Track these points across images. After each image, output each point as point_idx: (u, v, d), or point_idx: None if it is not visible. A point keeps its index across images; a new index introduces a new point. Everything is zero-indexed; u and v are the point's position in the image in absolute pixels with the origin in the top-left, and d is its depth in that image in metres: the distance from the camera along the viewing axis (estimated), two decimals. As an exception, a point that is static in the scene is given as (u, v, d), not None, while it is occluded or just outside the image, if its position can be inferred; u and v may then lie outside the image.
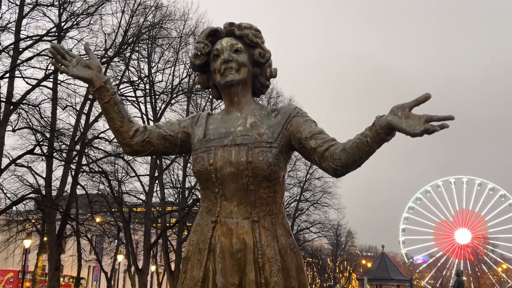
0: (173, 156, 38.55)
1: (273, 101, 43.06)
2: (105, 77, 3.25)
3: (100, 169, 36.99)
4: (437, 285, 78.56)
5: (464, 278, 62.66)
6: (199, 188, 3.45)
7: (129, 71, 37.97)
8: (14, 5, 30.58)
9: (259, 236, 3.00)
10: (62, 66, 3.18)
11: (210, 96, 33.40)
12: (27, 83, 31.24)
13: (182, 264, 3.24)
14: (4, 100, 29.47)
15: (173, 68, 40.01)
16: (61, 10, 32.22)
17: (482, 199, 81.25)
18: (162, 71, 40.29)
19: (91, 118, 34.47)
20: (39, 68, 31.31)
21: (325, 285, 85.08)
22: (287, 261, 3.01)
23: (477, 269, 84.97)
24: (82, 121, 34.80)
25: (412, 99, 2.62)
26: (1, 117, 29.34)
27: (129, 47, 35.63)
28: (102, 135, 35.05)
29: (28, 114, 31.41)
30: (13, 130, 31.48)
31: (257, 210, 3.05)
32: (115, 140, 35.52)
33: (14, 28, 30.39)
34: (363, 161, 2.84)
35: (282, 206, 3.26)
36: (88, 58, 3.25)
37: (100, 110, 33.64)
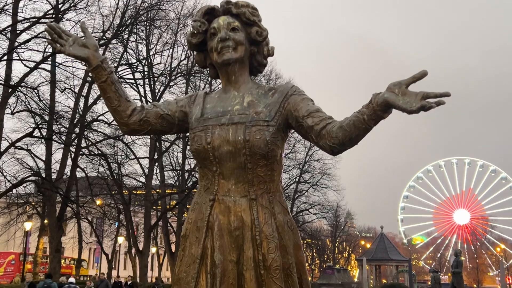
0: (172, 139, 38.68)
1: (272, 83, 42.93)
2: (101, 56, 3.23)
3: (99, 152, 37.05)
4: (435, 264, 78.75)
5: (463, 258, 63.01)
6: (197, 167, 3.46)
7: (127, 53, 37.96)
8: (11, -14, 30.40)
9: (256, 214, 3.01)
10: (59, 45, 3.18)
11: (209, 78, 33.45)
12: (25, 65, 31.24)
13: (181, 242, 3.25)
14: (2, 83, 29.44)
15: (171, 50, 39.93)
16: (60, -6, 32.03)
17: (483, 181, 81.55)
18: (160, 53, 40.28)
19: (90, 101, 34.52)
20: (37, 51, 31.25)
21: (324, 265, 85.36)
22: (284, 238, 3.02)
23: (474, 250, 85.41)
24: (81, 104, 34.86)
25: (409, 77, 2.60)
26: (0, 100, 29.32)
27: (127, 29, 35.55)
28: (101, 117, 35.15)
29: (26, 96, 31.39)
30: (12, 113, 31.48)
31: (255, 188, 3.05)
32: (114, 122, 35.47)
33: (11, 10, 30.27)
34: (360, 138, 2.84)
35: (280, 184, 3.26)
36: (84, 37, 3.25)
37: (99, 93, 33.60)
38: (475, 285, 78.75)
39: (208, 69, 3.54)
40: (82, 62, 3.30)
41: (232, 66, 3.24)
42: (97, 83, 3.29)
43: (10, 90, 29.99)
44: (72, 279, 22.99)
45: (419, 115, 2.54)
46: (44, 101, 32.57)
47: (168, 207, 44.08)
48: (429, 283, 48.88)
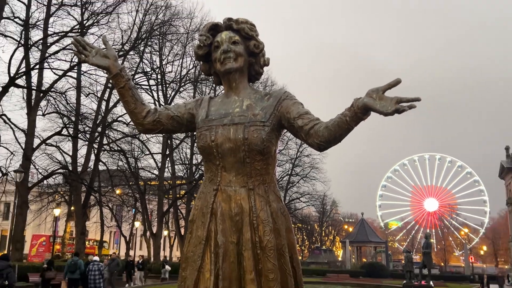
0: (181, 137, 38.65)
1: (268, 89, 42.95)
2: (120, 65, 3.24)
3: (119, 148, 37.20)
4: (408, 246, 79.01)
5: (432, 240, 63.04)
6: (203, 161, 3.46)
7: (143, 63, 38.09)
8: (42, 5, 30.43)
9: (254, 201, 3.01)
10: (83, 56, 3.20)
11: (213, 85, 33.43)
12: (54, 73, 31.34)
13: (189, 226, 3.25)
14: (35, 88, 29.42)
15: (181, 60, 40.11)
16: (83, 10, 32.07)
17: (450, 174, 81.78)
18: (171, 63, 40.50)
19: (111, 104, 34.54)
20: (65, 61, 31.37)
21: (312, 246, 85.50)
22: (277, 222, 3.02)
23: (441, 233, 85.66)
24: (103, 106, 34.95)
25: (384, 84, 2.61)
26: (33, 103, 29.30)
27: (142, 42, 35.61)
28: (120, 118, 35.25)
29: (56, 100, 31.64)
30: (43, 115, 31.63)
31: (252, 179, 3.05)
32: (131, 122, 35.43)
33: (42, 26, 30.25)
34: (343, 137, 2.85)
35: (274, 176, 3.26)
36: (105, 49, 3.25)
37: (118, 97, 33.59)
38: (442, 263, 79.03)
39: (212, 77, 3.54)
40: (104, 70, 3.31)
41: (233, 74, 3.24)
42: (116, 89, 3.30)
43: (41, 94, 30.00)
44: (96, 258, 22.95)
45: (396, 116, 2.56)
46: (71, 104, 32.76)
47: (178, 196, 44.16)
48: (403, 261, 48.88)
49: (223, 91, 3.46)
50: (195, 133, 3.30)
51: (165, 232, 50.34)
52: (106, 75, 28.80)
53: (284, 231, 3.03)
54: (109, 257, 37.89)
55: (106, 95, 34.26)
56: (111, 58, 3.20)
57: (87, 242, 43.19)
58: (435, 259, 66.98)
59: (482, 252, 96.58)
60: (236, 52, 3.21)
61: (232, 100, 3.21)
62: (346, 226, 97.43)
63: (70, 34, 30.91)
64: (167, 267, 32.44)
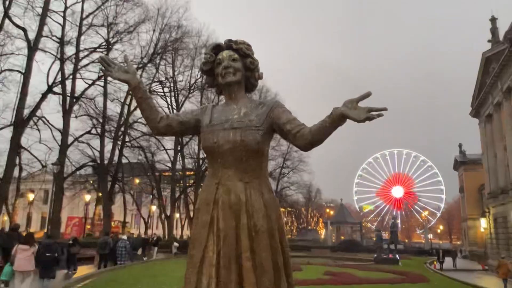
0: (190, 136, 38.67)
1: (263, 96, 43.00)
2: (139, 79, 3.23)
3: (138, 145, 37.34)
4: (378, 225, 79.40)
5: (398, 221, 63.25)
6: (206, 158, 3.46)
7: (159, 74, 38.14)
8: (75, 25, 30.42)
9: (249, 193, 3.00)
10: (108, 71, 3.20)
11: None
12: (85, 82, 31.61)
13: (195, 213, 3.23)
14: (69, 95, 29.50)
15: (190, 71, 40.21)
16: (109, 29, 32.13)
17: (415, 167, 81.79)
18: (182, 73, 40.63)
19: (132, 108, 34.52)
20: (94, 72, 31.49)
21: (300, 227, 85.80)
22: (269, 210, 3.02)
23: (405, 215, 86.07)
24: (125, 110, 35.04)
25: (358, 95, 2.63)
26: (67, 107, 29.32)
27: (158, 56, 35.70)
28: (139, 120, 35.17)
29: (86, 105, 32.00)
30: (76, 117, 31.87)
31: (248, 175, 3.05)
32: (149, 124, 35.66)
33: (75, 42, 30.23)
34: (324, 140, 2.85)
35: (266, 171, 3.25)
36: (127, 65, 3.25)
37: (138, 102, 33.78)
38: (406, 240, 79.73)
39: (215, 88, 3.54)
40: (124, 83, 3.30)
41: (232, 86, 3.23)
42: (135, 99, 3.30)
43: (74, 100, 30.10)
44: (124, 236, 22.88)
45: (371, 122, 2.60)
46: (98, 108, 33.04)
47: (187, 184, 44.21)
48: (374, 239, 49.04)
49: (224, 100, 3.46)
50: (200, 135, 3.31)
51: (177, 215, 50.31)
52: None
53: (275, 217, 3.03)
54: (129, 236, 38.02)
55: (128, 100, 34.24)
56: (131, 73, 3.20)
57: (112, 223, 43.22)
58: (401, 236, 67.15)
59: (439, 231, 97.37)
60: (235, 68, 3.21)
61: (231, 108, 3.21)
62: (328, 210, 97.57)
63: (98, 49, 31.10)
64: (176, 244, 32.74)
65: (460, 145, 56.48)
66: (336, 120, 2.69)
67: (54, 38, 28.95)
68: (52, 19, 28.83)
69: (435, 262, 33.51)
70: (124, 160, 37.35)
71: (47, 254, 11.80)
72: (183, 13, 36.28)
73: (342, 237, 62.70)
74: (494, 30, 31.17)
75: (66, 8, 29.59)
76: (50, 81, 28.27)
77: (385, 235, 55.53)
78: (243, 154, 3.02)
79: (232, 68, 3.21)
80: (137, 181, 43.90)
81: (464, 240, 57.80)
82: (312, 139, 2.85)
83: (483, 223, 38.16)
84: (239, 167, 3.06)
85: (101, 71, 20.45)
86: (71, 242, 20.38)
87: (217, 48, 3.34)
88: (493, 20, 31.50)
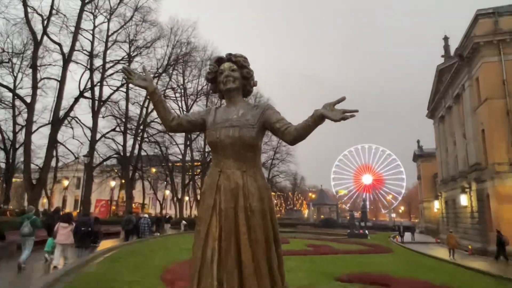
0: (197, 133, 38.56)
1: (257, 100, 42.88)
2: (155, 85, 3.21)
3: (154, 140, 37.19)
4: (351, 207, 79.77)
5: (367, 203, 63.54)
6: (211, 150, 3.45)
7: (171, 82, 37.93)
8: (102, 41, 30.17)
9: (246, 179, 3.00)
10: (130, 79, 3.18)
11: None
12: (110, 88, 31.43)
13: (201, 196, 3.23)
14: (97, 99, 29.31)
15: (198, 80, 39.91)
16: (130, 45, 31.96)
17: (382, 158, 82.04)
18: (191, 81, 40.34)
19: (149, 110, 34.38)
20: (117, 80, 31.34)
21: (287, 208, 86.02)
22: (262, 194, 3.03)
23: (373, 198, 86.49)
24: (144, 111, 34.87)
25: (335, 100, 2.66)
26: (96, 109, 29.17)
27: (171, 67, 35.56)
28: (155, 120, 35.15)
29: (111, 107, 31.93)
30: (103, 117, 31.76)
31: (245, 164, 3.05)
32: (163, 123, 35.74)
33: (102, 56, 29.97)
34: (306, 136, 2.85)
35: (260, 162, 3.25)
36: (145, 74, 3.23)
37: (154, 105, 33.80)
38: (374, 218, 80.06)
39: (218, 93, 3.53)
40: (143, 89, 3.29)
41: (232, 92, 3.22)
42: (152, 102, 3.29)
43: (101, 103, 29.82)
44: (146, 215, 22.80)
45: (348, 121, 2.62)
46: (121, 110, 32.94)
47: (195, 173, 44.06)
48: (348, 217, 49.26)
49: (225, 103, 3.45)
50: (206, 131, 3.30)
51: (186, 198, 50.27)
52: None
53: (267, 199, 3.04)
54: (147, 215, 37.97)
55: (146, 103, 34.13)
56: (148, 80, 3.19)
57: (133, 204, 43.20)
58: (369, 215, 67.49)
59: (400, 211, 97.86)
60: (234, 77, 3.21)
61: (231, 110, 3.20)
62: (310, 194, 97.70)
63: (121, 61, 30.84)
64: (184, 222, 32.97)
65: (418, 141, 56.78)
66: (316, 119, 2.70)
67: (84, 52, 28.77)
68: (83, 36, 28.60)
69: (397, 236, 33.71)
70: (142, 153, 37.25)
71: (83, 229, 11.95)
72: (191, 32, 36.48)
73: (322, 216, 62.91)
74: (446, 47, 31.30)
75: (94, 27, 29.34)
76: (81, 87, 28.05)
77: (357, 214, 55.95)
78: (240, 148, 3.03)
79: (231, 77, 3.21)
80: (153, 170, 43.81)
81: (421, 218, 58.21)
82: (296, 135, 2.86)
83: (436, 204, 38.43)
84: (237, 158, 3.05)
85: (123, 79, 20.24)
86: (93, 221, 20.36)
87: (219, 61, 3.34)
88: (446, 39, 31.63)
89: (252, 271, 2.81)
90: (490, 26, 20.40)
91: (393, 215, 75.55)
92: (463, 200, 24.09)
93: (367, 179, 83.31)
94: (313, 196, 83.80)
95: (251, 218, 2.92)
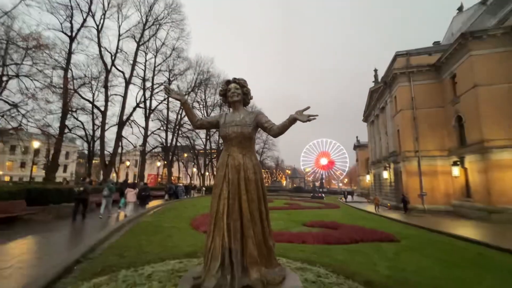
0: (214, 130, 38.18)
1: (253, 108, 42.45)
2: (186, 98, 3.21)
3: (186, 135, 36.65)
4: (314, 180, 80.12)
5: (324, 176, 63.67)
6: (222, 141, 3.42)
7: (197, 97, 37.22)
8: (151, 71, 29.58)
9: (245, 160, 3.02)
10: (169, 94, 3.16)
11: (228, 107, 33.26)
12: (156, 101, 30.65)
13: (216, 170, 3.23)
14: (148, 108, 28.80)
15: (214, 96, 39.19)
16: (170, 73, 31.28)
17: (335, 147, 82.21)
18: (209, 97, 39.57)
19: (182, 115, 33.90)
20: (161, 96, 30.54)
21: (272, 179, 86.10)
22: (256, 169, 3.06)
23: (328, 174, 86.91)
24: (179, 116, 34.31)
25: (303, 108, 2.69)
26: (147, 115, 28.71)
27: (197, 88, 34.96)
28: (186, 122, 34.58)
29: (157, 114, 31.08)
30: (152, 120, 30.92)
31: (245, 150, 3.07)
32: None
33: (151, 80, 29.42)
34: (284, 132, 2.86)
35: (254, 148, 3.28)
36: (179, 91, 3.21)
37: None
38: (328, 186, 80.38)
39: (227, 104, 3.51)
40: (178, 100, 3.25)
41: (236, 103, 3.23)
42: (184, 109, 3.28)
43: (151, 111, 29.35)
44: (181, 184, 22.78)
45: (313, 123, 2.61)
46: (164, 116, 32.23)
47: (213, 157, 43.87)
48: (311, 186, 49.60)
49: (231, 110, 3.43)
50: (219, 129, 3.27)
51: (207, 173, 50.11)
52: (179, 103, 28.41)
53: (258, 173, 3.08)
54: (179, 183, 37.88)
55: (180, 111, 33.67)
56: (181, 95, 3.19)
57: (172, 177, 42.94)
58: (325, 184, 68.00)
59: (345, 181, 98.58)
60: (237, 93, 3.22)
61: (235, 115, 3.22)
62: (287, 170, 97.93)
63: (163, 84, 30.31)
64: (203, 188, 32.93)
65: (357, 137, 57.10)
66: (291, 121, 2.74)
67: (139, 77, 28.23)
68: (138, 67, 28.02)
69: (342, 198, 34.08)
70: (178, 144, 36.92)
71: (143, 193, 12.71)
72: (210, 64, 36.38)
73: (295, 185, 63.23)
74: (376, 76, 31.27)
75: (146, 61, 28.83)
76: (137, 100, 27.67)
77: (317, 183, 56.30)
78: (242, 139, 3.05)
79: (236, 93, 3.22)
80: (185, 155, 43.48)
81: (358, 186, 58.80)
82: (278, 131, 2.89)
83: (368, 177, 38.81)
84: (240, 146, 3.08)
85: (165, 95, 19.91)
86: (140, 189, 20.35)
87: (227, 83, 3.35)
88: (376, 71, 31.59)
89: (249, 218, 2.86)
90: (404, 62, 20.42)
91: (340, 184, 76.31)
92: (385, 174, 24.36)
93: (324, 161, 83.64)
94: (289, 172, 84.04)
95: (248, 185, 2.96)
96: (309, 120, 2.60)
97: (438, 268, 5.08)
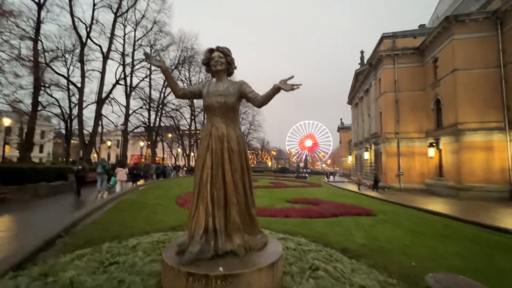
0: (200, 109, 37.43)
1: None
2: (166, 66, 3.08)
3: (170, 115, 35.67)
4: (298, 160, 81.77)
5: (308, 157, 65.07)
6: (205, 112, 3.34)
7: (180, 76, 35.84)
8: (130, 45, 27.96)
9: (229, 130, 3.00)
10: (149, 60, 3.02)
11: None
12: (138, 78, 29.31)
13: (200, 141, 3.19)
14: (129, 86, 27.54)
15: (199, 74, 37.93)
16: (151, 48, 29.55)
17: (320, 130, 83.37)
18: (194, 76, 38.26)
19: (166, 94, 32.83)
20: (143, 73, 29.34)
21: (258, 160, 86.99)
22: (239, 140, 3.06)
23: (312, 155, 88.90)
24: (162, 95, 33.16)
25: (287, 77, 2.67)
26: (128, 92, 27.51)
27: (180, 65, 33.58)
28: (170, 101, 33.68)
29: (139, 92, 29.78)
30: (133, 99, 29.74)
31: (229, 121, 3.05)
32: (177, 102, 34.33)
33: (131, 55, 27.87)
34: (268, 102, 2.83)
35: (238, 120, 3.23)
36: (159, 58, 3.08)
37: (169, 90, 32.11)
38: (311, 167, 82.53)
39: (211, 73, 3.40)
40: (158, 68, 3.10)
41: (220, 72, 3.15)
42: (165, 77, 3.15)
43: (132, 89, 28.07)
44: (170, 164, 22.62)
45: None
46: (146, 94, 30.99)
47: (197, 138, 43.34)
48: (295, 167, 50.73)
49: (214, 80, 3.35)
50: (202, 99, 3.17)
51: (192, 154, 49.76)
52: (163, 81, 27.22)
53: (242, 144, 3.09)
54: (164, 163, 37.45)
55: (164, 89, 32.52)
56: (162, 62, 3.06)
57: (157, 159, 42.28)
58: (309, 165, 69.80)
59: (328, 162, 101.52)
60: (221, 62, 3.12)
61: (219, 85, 3.15)
62: (273, 152, 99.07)
63: (145, 60, 28.83)
64: (185, 168, 32.91)
65: (341, 119, 58.16)
66: (274, 90, 2.72)
67: (118, 52, 26.57)
68: (117, 41, 26.29)
69: (325, 178, 35.28)
70: (161, 124, 36.02)
71: (135, 172, 13.57)
72: (194, 41, 34.73)
73: (280, 166, 64.44)
74: (362, 58, 31.34)
75: (124, 34, 26.99)
76: (117, 77, 26.21)
77: (301, 164, 57.68)
78: (225, 109, 3.02)
79: (219, 62, 3.13)
80: (169, 135, 42.59)
81: (340, 167, 60.90)
82: (262, 101, 2.87)
83: (350, 158, 40.11)
84: (223, 116, 3.05)
85: (147, 73, 19.22)
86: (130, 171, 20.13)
87: (211, 51, 3.23)
88: (362, 52, 31.59)
89: (232, 188, 2.91)
90: (390, 44, 20.54)
91: (324, 165, 78.54)
92: (366, 155, 25.28)
93: (308, 143, 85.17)
94: (274, 153, 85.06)
95: (231, 155, 2.98)
96: (292, 89, 2.58)
97: (408, 237, 5.51)
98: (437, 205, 11.07)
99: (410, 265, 3.77)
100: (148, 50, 30.08)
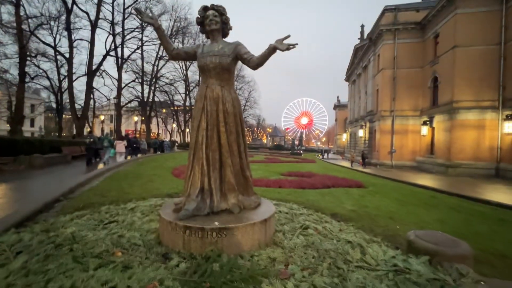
0: (195, 83, 36.56)
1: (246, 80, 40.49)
2: (159, 23, 2.97)
3: (164, 90, 34.90)
4: (294, 138, 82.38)
5: (303, 135, 65.47)
6: (200, 73, 3.24)
7: (174, 48, 34.50)
8: (120, 13, 26.46)
9: (224, 92, 2.99)
10: (141, 16, 2.91)
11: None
12: (129, 50, 28.34)
13: (195, 103, 3.17)
14: (120, 57, 26.49)
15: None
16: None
17: (315, 108, 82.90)
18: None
19: (160, 66, 31.82)
20: (135, 44, 28.12)
21: (254, 137, 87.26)
22: (234, 102, 3.06)
23: (307, 133, 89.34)
24: (155, 68, 32.12)
25: (282, 37, 2.61)
26: (120, 65, 26.55)
27: (173, 37, 32.15)
28: (165, 74, 32.78)
29: (131, 64, 28.79)
30: (125, 71, 28.74)
31: (224, 82, 3.02)
32: (170, 76, 33.42)
33: (121, 24, 26.49)
34: (264, 63, 2.78)
35: (233, 81, 3.19)
36: (151, 14, 2.95)
37: (163, 62, 31.10)
38: (306, 145, 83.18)
39: (205, 33, 3.30)
40: (151, 25, 2.96)
41: (214, 31, 3.06)
42: (158, 35, 3.04)
43: (123, 61, 27.05)
44: (167, 140, 22.64)
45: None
46: (138, 67, 29.95)
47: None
48: (290, 144, 51.11)
49: (209, 41, 3.26)
50: (197, 59, 3.09)
51: (187, 129, 49.48)
52: (156, 53, 26.10)
53: (237, 106, 3.10)
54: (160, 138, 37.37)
55: (157, 62, 31.43)
56: (154, 18, 2.94)
57: (151, 134, 42.00)
58: (304, 143, 70.43)
59: (323, 140, 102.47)
60: (216, 21, 3.02)
61: (214, 45, 3.08)
62: (268, 129, 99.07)
63: (135, 30, 27.46)
64: (176, 144, 32.99)
65: (338, 97, 57.76)
66: (270, 50, 2.67)
67: (107, 20, 25.17)
68: (105, 8, 24.81)
69: (320, 155, 35.85)
70: (156, 98, 35.29)
71: (134, 145, 14.17)
72: (188, 10, 33.12)
73: (275, 143, 64.89)
74: (362, 32, 30.40)
75: (113, 1, 25.33)
76: (107, 48, 25.19)
77: (297, 142, 58.16)
78: (220, 70, 2.97)
79: (214, 21, 3.03)
80: (164, 110, 41.96)
81: (335, 145, 61.69)
82: (258, 62, 2.83)
83: (344, 136, 40.54)
84: (218, 78, 3.01)
85: (139, 44, 18.49)
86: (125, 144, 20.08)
87: (205, 9, 3.11)
88: (362, 27, 30.56)
89: (227, 149, 2.97)
90: (392, 18, 19.86)
91: (319, 143, 79.34)
92: (360, 133, 25.55)
93: (304, 120, 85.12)
94: (270, 130, 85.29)
95: (227, 117, 3.00)
96: (288, 49, 2.53)
97: (395, 206, 5.80)
98: (426, 180, 11.51)
99: (395, 228, 4.01)
100: (138, 19, 28.61)
